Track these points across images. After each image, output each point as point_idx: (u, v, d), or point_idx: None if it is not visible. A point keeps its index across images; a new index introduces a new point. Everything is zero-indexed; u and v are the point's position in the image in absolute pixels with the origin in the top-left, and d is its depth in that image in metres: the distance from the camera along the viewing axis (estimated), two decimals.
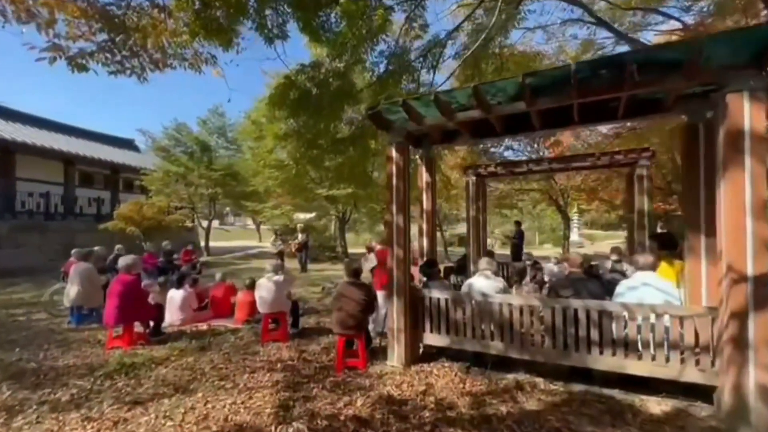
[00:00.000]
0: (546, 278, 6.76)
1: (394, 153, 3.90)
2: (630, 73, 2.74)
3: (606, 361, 3.14)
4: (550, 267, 6.89)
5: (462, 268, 7.77)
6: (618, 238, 29.98)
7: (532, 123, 3.82)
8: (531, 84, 3.08)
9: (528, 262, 7.29)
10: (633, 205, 6.35)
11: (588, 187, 12.06)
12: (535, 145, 16.36)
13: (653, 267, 3.34)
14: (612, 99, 3.35)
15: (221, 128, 18.28)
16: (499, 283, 3.84)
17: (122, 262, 4.73)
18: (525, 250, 8.29)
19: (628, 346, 3.08)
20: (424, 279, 4.36)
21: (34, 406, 3.12)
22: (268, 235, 23.67)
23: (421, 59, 7.33)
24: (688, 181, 3.43)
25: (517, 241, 9.78)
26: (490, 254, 7.77)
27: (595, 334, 3.17)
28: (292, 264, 13.27)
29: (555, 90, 3.14)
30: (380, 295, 4.51)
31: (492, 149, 17.61)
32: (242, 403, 3.12)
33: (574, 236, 23.37)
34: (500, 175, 7.46)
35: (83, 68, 4.65)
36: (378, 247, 4.74)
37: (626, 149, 5.85)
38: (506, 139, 16.53)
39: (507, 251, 11.91)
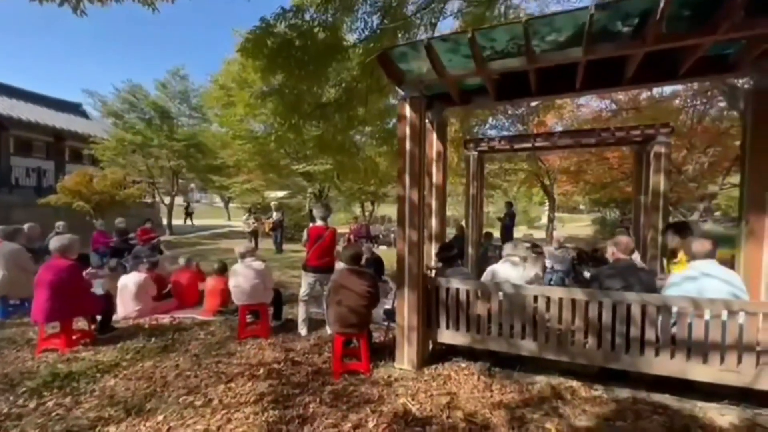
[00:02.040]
0: (548, 263, 6.36)
1: (407, 111, 3.14)
2: (732, 8, 2.12)
3: (663, 365, 2.66)
4: (550, 250, 6.48)
5: (458, 251, 7.25)
6: (583, 222, 30.88)
7: (573, 80, 3.17)
8: (598, 22, 2.40)
9: (527, 245, 6.86)
10: (641, 186, 5.96)
11: (577, 169, 11.81)
12: (521, 126, 15.98)
13: (712, 255, 2.86)
14: (682, 50, 2.74)
15: (183, 93, 16.44)
16: (530, 271, 3.27)
17: (55, 242, 3.72)
18: (523, 233, 7.85)
19: (691, 347, 2.60)
20: (439, 265, 3.73)
21: None
22: (239, 214, 22.29)
23: (419, 16, 6.46)
24: (755, 155, 2.93)
25: (508, 222, 9.37)
26: (489, 236, 7.28)
27: (650, 333, 2.68)
28: (266, 244, 12.32)
29: (625, 32, 2.48)
30: (311, 274, 4.34)
31: (475, 128, 17.09)
32: (218, 429, 2.39)
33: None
34: (502, 151, 6.85)
35: None
36: (319, 224, 4.66)
37: (644, 125, 5.36)
38: (490, 118, 16.18)
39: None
